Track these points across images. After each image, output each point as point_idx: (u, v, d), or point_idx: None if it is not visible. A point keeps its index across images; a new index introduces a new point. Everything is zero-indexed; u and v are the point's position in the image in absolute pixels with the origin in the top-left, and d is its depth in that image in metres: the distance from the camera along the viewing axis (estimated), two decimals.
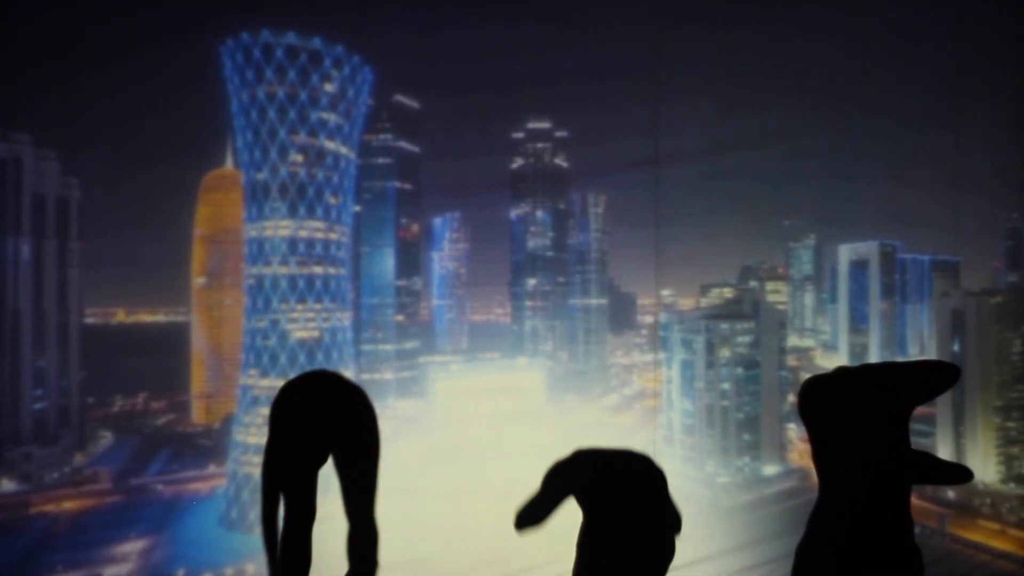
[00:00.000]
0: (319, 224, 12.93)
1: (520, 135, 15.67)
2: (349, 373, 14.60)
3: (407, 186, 15.21)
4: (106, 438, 14.12)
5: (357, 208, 13.65)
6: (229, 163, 13.90)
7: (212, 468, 13.68)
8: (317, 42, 13.42)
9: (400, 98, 14.80)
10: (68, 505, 12.69)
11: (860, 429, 1.87)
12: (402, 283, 15.48)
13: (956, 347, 13.52)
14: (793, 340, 15.59)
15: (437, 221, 16.93)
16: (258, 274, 12.90)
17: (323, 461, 2.06)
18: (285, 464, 1.99)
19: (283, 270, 12.84)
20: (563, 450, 2.18)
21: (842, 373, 1.92)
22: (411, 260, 15.98)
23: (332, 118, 13.07)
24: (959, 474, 1.83)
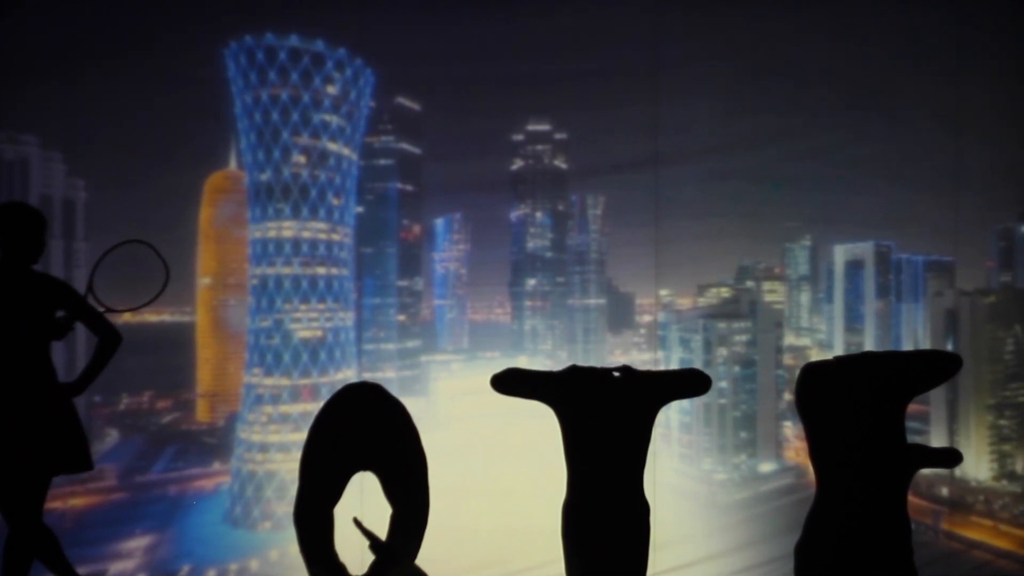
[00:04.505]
0: (322, 225, 12.99)
1: (520, 137, 15.64)
2: (351, 372, 14.74)
3: (408, 187, 15.22)
4: (112, 436, 14.12)
5: (359, 209, 13.71)
6: (233, 164, 13.97)
7: (217, 465, 13.71)
8: (320, 44, 13.51)
9: (401, 100, 14.85)
10: (74, 502, 12.76)
11: (857, 417, 2.00)
12: (404, 283, 15.51)
13: (950, 346, 13.59)
14: (790, 339, 15.64)
15: (438, 222, 16.90)
16: (262, 274, 12.99)
17: (357, 468, 2.25)
18: (320, 467, 2.18)
19: (286, 270, 12.92)
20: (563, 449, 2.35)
21: (840, 361, 2.06)
22: (412, 260, 16.00)
23: (334, 120, 13.14)
24: (950, 457, 1.99)
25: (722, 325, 15.63)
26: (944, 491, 14.18)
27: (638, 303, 16.46)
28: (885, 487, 1.99)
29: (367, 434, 2.25)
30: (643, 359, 15.92)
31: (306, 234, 14.80)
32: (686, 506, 15.66)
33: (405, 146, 15.88)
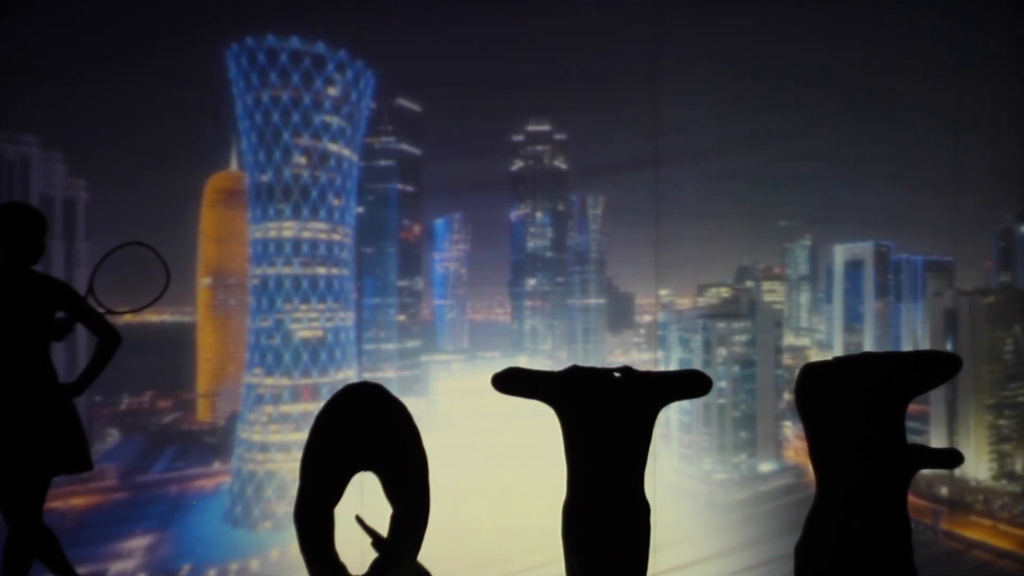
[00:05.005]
0: (322, 225, 12.99)
1: (520, 138, 15.61)
2: (352, 372, 14.75)
3: (409, 188, 15.22)
4: (113, 436, 14.08)
5: (360, 210, 13.71)
6: (234, 165, 13.94)
7: (217, 465, 13.69)
8: (320, 46, 13.52)
9: (402, 101, 14.82)
10: (75, 501, 12.73)
11: (857, 417, 2.00)
12: (404, 283, 15.50)
13: (949, 346, 13.54)
14: (789, 339, 15.61)
15: (438, 222, 16.87)
16: (262, 274, 13.00)
17: (358, 468, 2.26)
18: (320, 467, 2.19)
19: (287, 271, 12.92)
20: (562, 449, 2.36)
21: (840, 361, 2.05)
22: (413, 261, 15.98)
23: (335, 121, 13.14)
24: (951, 458, 1.98)
25: (722, 325, 15.64)
26: (944, 491, 14.18)
27: (638, 303, 16.46)
28: (885, 487, 1.99)
29: (368, 434, 2.26)
30: (643, 359, 15.93)
31: (306, 234, 14.82)
32: (686, 506, 15.65)
33: (405, 147, 15.89)
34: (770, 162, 13.89)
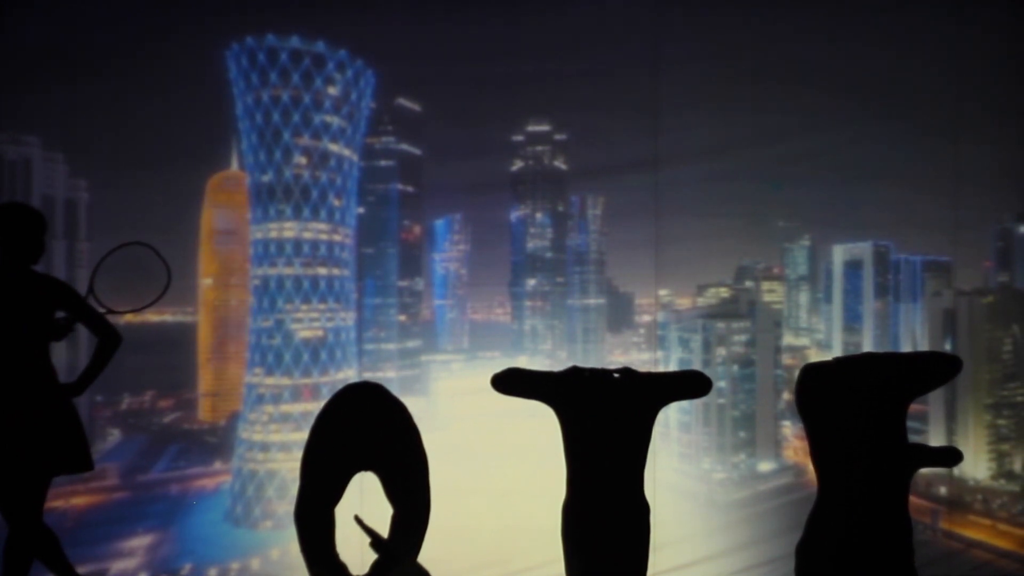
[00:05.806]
0: (323, 226, 13.02)
1: (520, 138, 15.65)
2: (352, 372, 14.77)
3: (409, 188, 15.25)
4: (114, 435, 14.09)
5: (360, 210, 13.73)
6: (235, 165, 13.96)
7: (218, 465, 13.70)
8: (320, 46, 13.54)
9: (402, 101, 14.83)
10: (77, 501, 12.75)
11: (858, 417, 2.01)
12: (404, 283, 15.54)
13: (948, 346, 13.55)
14: (788, 339, 15.64)
15: (439, 223, 16.90)
16: (263, 275, 13.04)
17: (358, 468, 2.27)
18: (321, 467, 2.21)
19: (288, 271, 12.95)
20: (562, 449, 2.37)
21: (841, 362, 2.07)
22: (413, 261, 16.02)
23: (335, 121, 13.15)
24: (950, 456, 2.00)
25: (721, 325, 15.65)
26: (943, 490, 14.20)
27: (637, 303, 16.48)
28: (886, 487, 2.00)
29: (368, 434, 2.27)
30: (642, 359, 15.95)
31: (307, 235, 14.83)
32: (686, 506, 15.66)
33: (405, 147, 15.90)
34: (770, 162, 13.89)
